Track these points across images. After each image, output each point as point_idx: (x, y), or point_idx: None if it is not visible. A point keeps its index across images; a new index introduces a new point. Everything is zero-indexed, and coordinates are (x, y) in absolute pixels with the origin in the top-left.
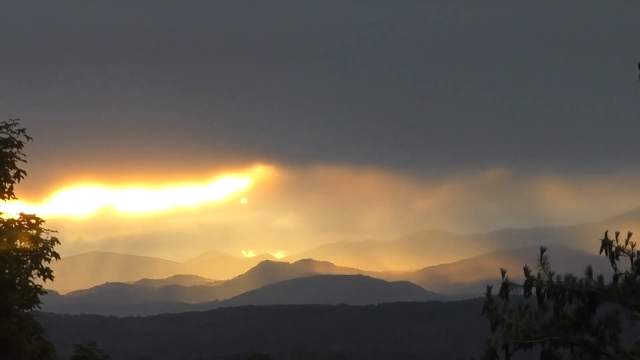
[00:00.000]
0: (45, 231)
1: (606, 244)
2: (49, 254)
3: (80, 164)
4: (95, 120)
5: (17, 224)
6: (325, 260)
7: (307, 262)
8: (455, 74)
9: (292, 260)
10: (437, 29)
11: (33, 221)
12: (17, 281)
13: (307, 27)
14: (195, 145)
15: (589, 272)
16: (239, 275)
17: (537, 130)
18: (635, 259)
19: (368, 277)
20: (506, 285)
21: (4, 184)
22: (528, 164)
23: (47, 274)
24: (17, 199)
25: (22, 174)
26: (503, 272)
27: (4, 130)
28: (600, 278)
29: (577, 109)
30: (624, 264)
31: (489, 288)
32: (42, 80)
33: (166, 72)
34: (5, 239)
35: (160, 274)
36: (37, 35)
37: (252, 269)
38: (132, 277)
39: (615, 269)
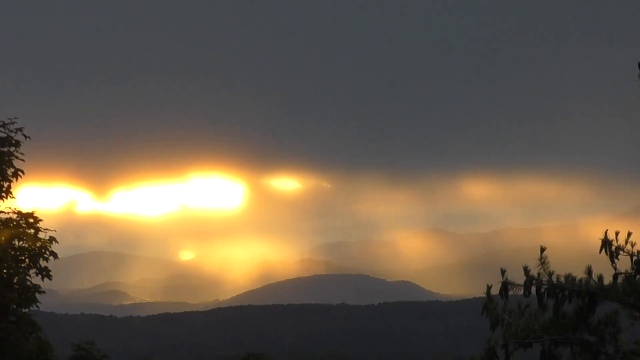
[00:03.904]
0: (43, 230)
1: (606, 243)
2: (47, 253)
3: (77, 165)
4: (84, 121)
5: (15, 222)
6: (325, 260)
7: (307, 262)
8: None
9: (292, 260)
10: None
11: (31, 220)
12: (15, 280)
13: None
14: (180, 144)
15: (589, 271)
16: (239, 275)
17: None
18: (635, 258)
19: (368, 277)
20: (506, 285)
21: (1, 183)
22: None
23: (45, 273)
24: (14, 198)
25: (20, 172)
26: (503, 272)
27: (2, 129)
28: (600, 277)
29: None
30: (624, 264)
31: (489, 287)
32: (28, 81)
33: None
34: (3, 238)
35: (161, 274)
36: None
37: (252, 268)
38: (132, 277)
39: (615, 268)
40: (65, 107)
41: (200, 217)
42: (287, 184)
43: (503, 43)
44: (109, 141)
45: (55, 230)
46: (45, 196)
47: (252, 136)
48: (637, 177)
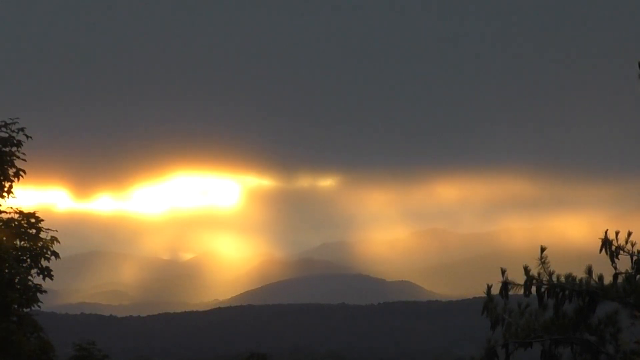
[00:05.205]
0: (44, 230)
1: (606, 243)
2: (49, 253)
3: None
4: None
5: (16, 222)
6: (325, 260)
7: (307, 262)
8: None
9: (292, 260)
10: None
11: (33, 220)
12: (16, 280)
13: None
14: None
15: (589, 271)
16: (239, 275)
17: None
18: (635, 258)
19: (368, 277)
20: (506, 285)
21: (3, 183)
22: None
23: (46, 273)
24: (16, 198)
25: (21, 172)
26: (503, 271)
27: (3, 129)
28: (600, 277)
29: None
30: (624, 263)
31: (489, 287)
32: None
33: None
34: (4, 238)
35: (160, 274)
36: None
37: (252, 268)
38: (131, 277)
39: (615, 268)
40: (54, 107)
41: (199, 217)
42: (287, 183)
43: (487, 44)
44: (104, 141)
45: (56, 230)
46: (36, 196)
47: (249, 135)
48: (615, 181)
